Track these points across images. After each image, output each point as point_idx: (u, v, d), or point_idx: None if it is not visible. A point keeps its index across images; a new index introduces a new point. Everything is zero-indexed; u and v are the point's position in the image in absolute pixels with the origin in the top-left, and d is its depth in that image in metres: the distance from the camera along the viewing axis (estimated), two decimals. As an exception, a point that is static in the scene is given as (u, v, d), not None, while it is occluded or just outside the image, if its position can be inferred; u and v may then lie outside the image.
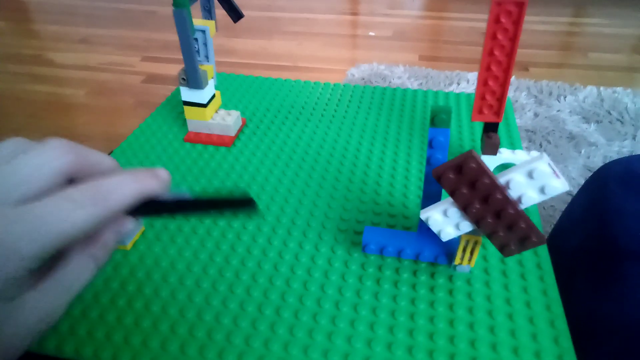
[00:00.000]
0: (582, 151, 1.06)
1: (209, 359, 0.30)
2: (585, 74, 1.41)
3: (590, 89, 1.27)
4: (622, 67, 1.44)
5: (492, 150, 0.40)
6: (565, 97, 1.24)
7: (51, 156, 0.23)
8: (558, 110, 1.20)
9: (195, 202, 0.29)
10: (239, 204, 0.29)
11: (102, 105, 1.32)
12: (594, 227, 0.40)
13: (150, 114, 0.56)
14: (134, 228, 0.27)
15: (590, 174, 0.99)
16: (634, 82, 1.36)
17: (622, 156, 1.04)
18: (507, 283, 0.35)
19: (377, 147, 0.50)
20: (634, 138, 1.10)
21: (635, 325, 0.32)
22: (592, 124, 1.14)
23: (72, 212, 0.21)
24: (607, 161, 1.04)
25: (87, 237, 0.24)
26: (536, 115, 1.19)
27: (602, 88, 1.27)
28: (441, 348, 0.31)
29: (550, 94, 1.27)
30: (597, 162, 1.03)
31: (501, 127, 0.53)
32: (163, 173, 0.26)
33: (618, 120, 1.16)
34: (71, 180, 0.24)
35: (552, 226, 0.75)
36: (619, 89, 1.27)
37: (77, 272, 0.24)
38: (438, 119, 0.30)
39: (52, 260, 0.23)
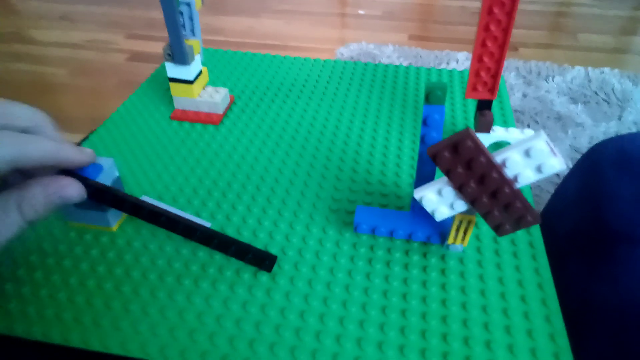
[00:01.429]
0: (569, 132, 1.06)
1: (199, 342, 0.30)
2: (573, 54, 1.41)
3: (578, 70, 1.27)
4: (610, 48, 1.44)
5: (486, 128, 0.39)
6: (553, 78, 1.24)
7: None
8: (546, 91, 1.20)
9: (219, 239, 0.33)
10: (260, 260, 0.34)
11: (86, 85, 1.29)
12: (587, 210, 0.40)
13: (135, 91, 0.55)
14: (74, 195, 0.29)
15: (576, 154, 1.00)
16: (622, 63, 1.36)
17: (608, 137, 1.05)
18: (500, 262, 0.35)
19: (369, 126, 0.50)
20: (619, 119, 1.11)
21: (627, 307, 0.32)
22: (579, 105, 1.15)
23: None
24: (594, 142, 1.05)
25: (18, 189, 0.27)
26: (525, 95, 1.19)
27: (589, 69, 1.28)
28: (433, 328, 0.31)
29: (539, 74, 1.27)
30: (584, 143, 1.03)
31: (495, 105, 0.53)
32: (89, 150, 0.30)
33: (605, 101, 1.17)
34: None
35: (541, 206, 0.75)
36: (606, 69, 1.28)
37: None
38: (433, 95, 0.29)
39: None
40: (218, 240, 0.33)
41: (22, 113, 0.27)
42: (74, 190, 0.29)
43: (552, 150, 0.26)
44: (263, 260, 0.33)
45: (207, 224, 0.34)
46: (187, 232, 0.33)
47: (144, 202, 0.33)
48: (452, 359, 0.29)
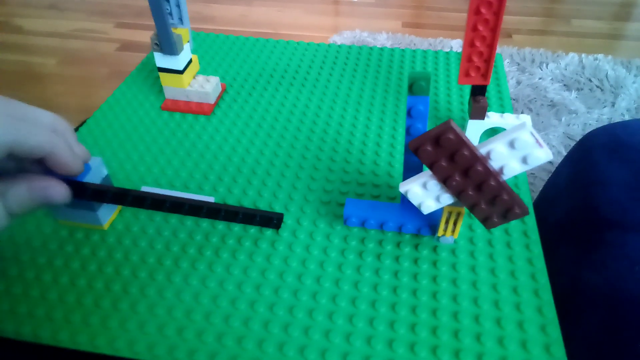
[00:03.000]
0: (563, 119, 1.06)
1: (188, 339, 0.30)
2: (567, 41, 1.40)
3: (572, 56, 1.27)
4: (604, 34, 1.44)
5: (480, 114, 0.39)
6: (547, 65, 1.24)
7: None
8: (540, 78, 1.20)
9: (224, 210, 0.35)
10: (266, 220, 0.35)
11: (75, 75, 1.27)
12: (578, 197, 0.40)
13: (125, 80, 0.54)
14: (59, 196, 0.29)
15: (570, 141, 1.00)
16: (615, 49, 1.36)
17: (601, 123, 1.05)
18: (493, 253, 0.35)
19: (363, 113, 0.49)
20: (612, 105, 1.11)
21: (616, 294, 0.32)
22: (573, 92, 1.15)
23: None
24: (587, 129, 1.05)
25: (3, 180, 0.27)
26: (518, 83, 1.18)
27: (583, 55, 1.27)
28: (423, 321, 0.31)
29: (533, 61, 1.26)
30: (577, 129, 1.03)
31: (492, 90, 0.52)
32: (83, 154, 0.31)
33: (598, 87, 1.16)
34: None
35: (535, 194, 0.76)
36: (600, 56, 1.27)
37: None
38: (417, 86, 0.29)
39: None
40: (225, 211, 0.34)
41: (43, 118, 0.28)
42: (58, 191, 0.29)
43: (537, 141, 0.25)
44: (271, 220, 0.35)
45: (211, 199, 0.34)
46: (194, 211, 0.34)
47: (145, 192, 0.33)
48: (441, 352, 0.29)
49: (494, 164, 0.26)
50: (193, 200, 0.34)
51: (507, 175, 0.27)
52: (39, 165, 0.29)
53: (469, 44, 0.36)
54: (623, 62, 1.25)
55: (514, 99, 1.12)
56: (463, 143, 0.26)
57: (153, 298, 0.32)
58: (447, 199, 0.29)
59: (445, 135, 0.25)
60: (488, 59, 0.36)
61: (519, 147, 0.25)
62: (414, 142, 0.27)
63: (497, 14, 0.34)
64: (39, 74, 1.28)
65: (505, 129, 0.41)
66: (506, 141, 0.26)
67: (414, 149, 0.27)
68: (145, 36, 1.45)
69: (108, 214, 0.37)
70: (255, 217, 0.35)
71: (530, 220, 0.37)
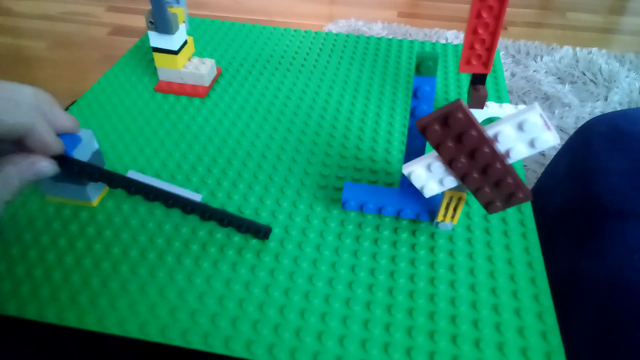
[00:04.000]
0: (556, 112, 1.06)
1: (180, 320, 0.29)
2: (562, 34, 1.40)
3: (567, 50, 1.27)
4: (599, 28, 1.44)
5: (479, 103, 0.38)
6: (542, 57, 1.24)
7: None
8: (534, 71, 1.19)
9: (221, 215, 0.33)
10: (256, 230, 0.33)
11: (65, 59, 1.25)
12: (577, 185, 0.40)
13: (117, 61, 0.53)
14: (46, 169, 0.28)
15: (563, 134, 1.00)
16: (609, 43, 1.36)
17: (594, 117, 1.05)
18: (490, 241, 0.34)
19: (360, 100, 0.48)
20: (605, 99, 1.11)
21: (615, 282, 0.32)
22: (566, 85, 1.14)
23: None
24: (580, 122, 1.05)
25: None
26: (513, 75, 1.18)
27: (577, 49, 1.27)
28: (420, 307, 0.30)
29: (528, 53, 1.26)
30: (570, 123, 1.03)
31: (489, 80, 0.52)
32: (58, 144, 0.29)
33: (591, 81, 1.16)
34: None
35: (530, 186, 0.75)
36: (594, 49, 1.27)
37: None
38: (424, 66, 0.28)
39: None
40: (211, 214, 0.33)
41: (24, 92, 0.27)
42: (45, 165, 0.28)
43: (546, 123, 0.25)
44: (258, 233, 0.33)
45: (199, 196, 0.33)
46: (182, 208, 0.33)
47: (133, 180, 0.32)
48: (438, 337, 0.29)
49: (501, 146, 0.26)
50: (181, 197, 0.33)
51: (513, 159, 0.26)
52: (17, 146, 0.28)
53: (472, 31, 0.35)
54: (617, 56, 1.25)
55: (508, 91, 1.12)
56: (472, 123, 0.25)
57: (144, 277, 0.31)
58: (450, 182, 0.29)
59: (455, 114, 0.25)
60: (490, 47, 0.36)
61: (528, 129, 0.25)
62: (421, 121, 0.26)
63: (502, 1, 0.33)
64: (29, 57, 1.25)
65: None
66: (515, 123, 0.25)
67: (421, 128, 0.26)
68: (138, 21, 1.42)
69: (98, 190, 0.36)
70: (241, 227, 0.33)
71: (527, 209, 0.37)
